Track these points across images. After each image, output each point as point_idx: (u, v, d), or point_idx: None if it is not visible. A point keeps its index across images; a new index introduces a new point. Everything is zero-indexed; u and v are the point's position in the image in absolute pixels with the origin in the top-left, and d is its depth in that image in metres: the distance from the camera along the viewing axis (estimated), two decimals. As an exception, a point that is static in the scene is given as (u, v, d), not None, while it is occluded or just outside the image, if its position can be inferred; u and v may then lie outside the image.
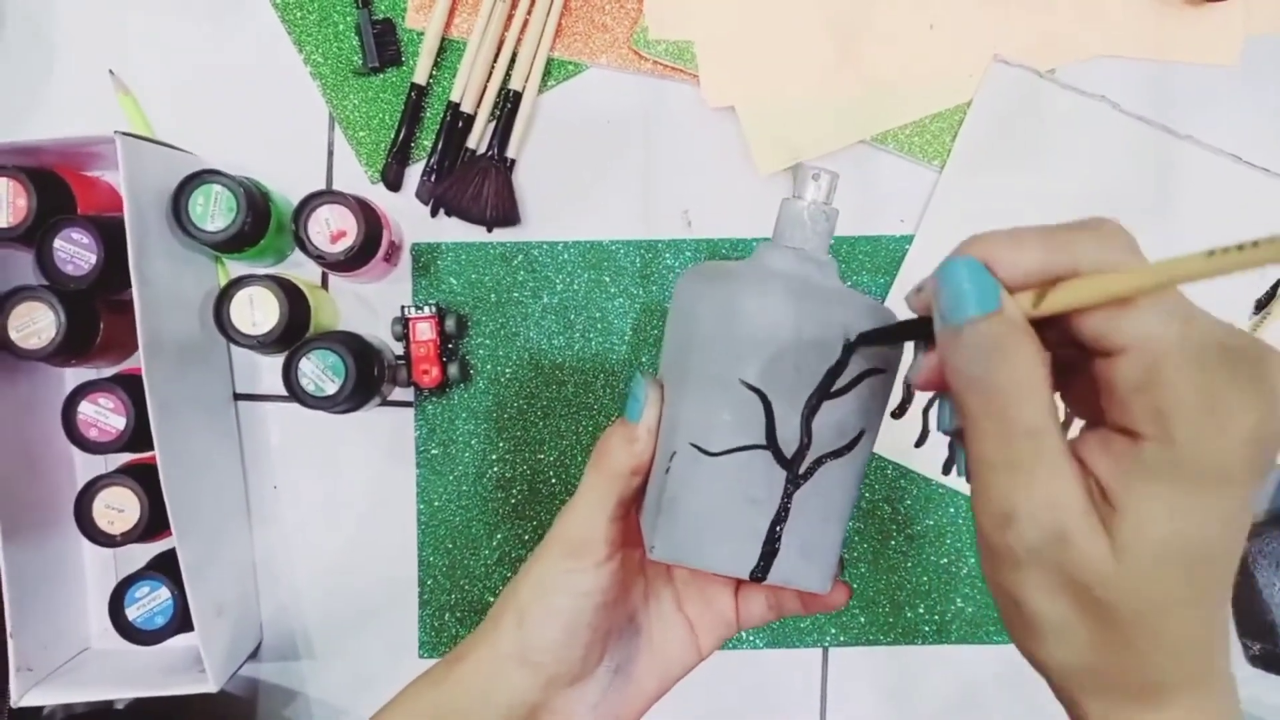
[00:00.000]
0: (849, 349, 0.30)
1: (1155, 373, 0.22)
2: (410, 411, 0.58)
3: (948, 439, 0.28)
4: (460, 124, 0.57)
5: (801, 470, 0.30)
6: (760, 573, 0.31)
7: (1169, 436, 0.22)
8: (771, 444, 0.30)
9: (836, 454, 0.31)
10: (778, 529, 0.31)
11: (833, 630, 0.58)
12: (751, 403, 0.30)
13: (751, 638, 0.58)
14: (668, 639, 0.38)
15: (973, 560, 0.58)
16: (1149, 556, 0.22)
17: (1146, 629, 0.23)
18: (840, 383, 0.30)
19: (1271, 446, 0.22)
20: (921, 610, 0.58)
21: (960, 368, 0.24)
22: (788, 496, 0.30)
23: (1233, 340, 0.22)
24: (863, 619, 0.58)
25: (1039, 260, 0.24)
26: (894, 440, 0.56)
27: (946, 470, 0.30)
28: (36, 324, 0.49)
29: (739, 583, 0.38)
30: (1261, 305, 0.57)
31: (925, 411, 0.31)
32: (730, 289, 0.30)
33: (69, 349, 0.50)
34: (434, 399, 0.58)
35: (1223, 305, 0.63)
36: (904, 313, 0.29)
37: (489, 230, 0.58)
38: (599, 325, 0.58)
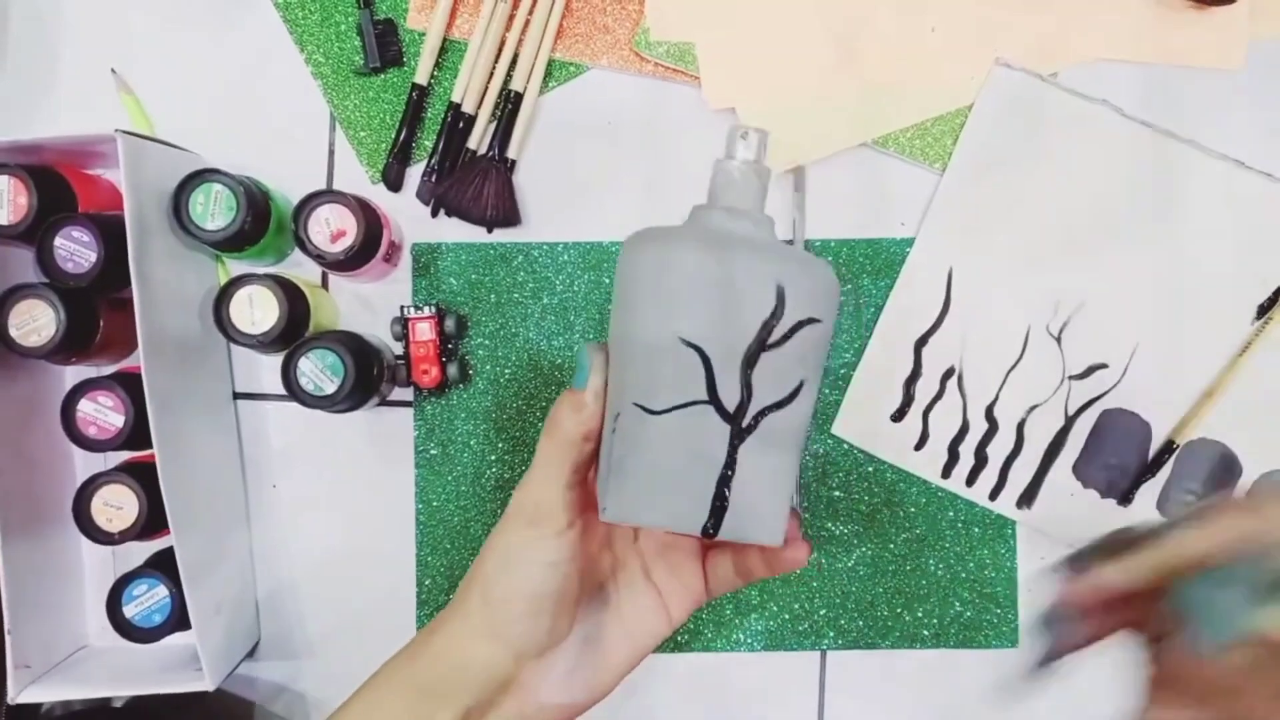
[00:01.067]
0: (782, 298, 0.30)
1: None
2: (409, 411, 0.58)
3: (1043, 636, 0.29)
4: (461, 124, 0.57)
5: (745, 423, 0.31)
6: (712, 528, 0.31)
7: None
8: (713, 399, 0.30)
9: (779, 405, 0.31)
10: (725, 483, 0.31)
11: (831, 633, 0.58)
12: (691, 359, 0.30)
13: (749, 640, 0.58)
14: (637, 609, 0.38)
15: (971, 564, 0.57)
16: None
17: None
18: (777, 334, 0.30)
19: None
20: (920, 614, 0.58)
21: (1213, 679, 0.26)
22: (733, 450, 0.31)
23: None
24: (861, 622, 0.58)
25: None
26: (893, 443, 0.56)
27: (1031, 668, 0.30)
28: (36, 322, 0.49)
29: (705, 549, 0.39)
30: (1264, 310, 0.56)
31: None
32: (663, 247, 0.31)
33: (69, 347, 0.50)
34: (433, 399, 0.58)
35: (1226, 311, 0.63)
36: (903, 318, 0.29)
37: (489, 231, 0.58)
38: (599, 326, 0.58)
